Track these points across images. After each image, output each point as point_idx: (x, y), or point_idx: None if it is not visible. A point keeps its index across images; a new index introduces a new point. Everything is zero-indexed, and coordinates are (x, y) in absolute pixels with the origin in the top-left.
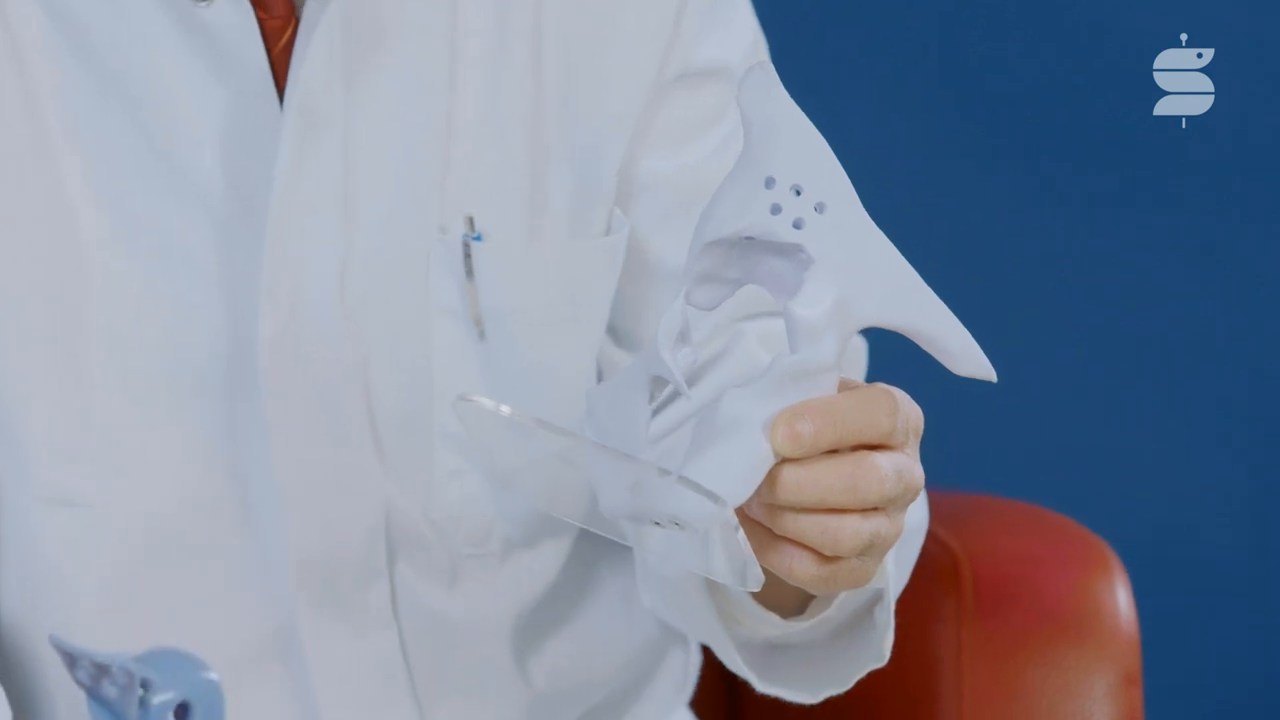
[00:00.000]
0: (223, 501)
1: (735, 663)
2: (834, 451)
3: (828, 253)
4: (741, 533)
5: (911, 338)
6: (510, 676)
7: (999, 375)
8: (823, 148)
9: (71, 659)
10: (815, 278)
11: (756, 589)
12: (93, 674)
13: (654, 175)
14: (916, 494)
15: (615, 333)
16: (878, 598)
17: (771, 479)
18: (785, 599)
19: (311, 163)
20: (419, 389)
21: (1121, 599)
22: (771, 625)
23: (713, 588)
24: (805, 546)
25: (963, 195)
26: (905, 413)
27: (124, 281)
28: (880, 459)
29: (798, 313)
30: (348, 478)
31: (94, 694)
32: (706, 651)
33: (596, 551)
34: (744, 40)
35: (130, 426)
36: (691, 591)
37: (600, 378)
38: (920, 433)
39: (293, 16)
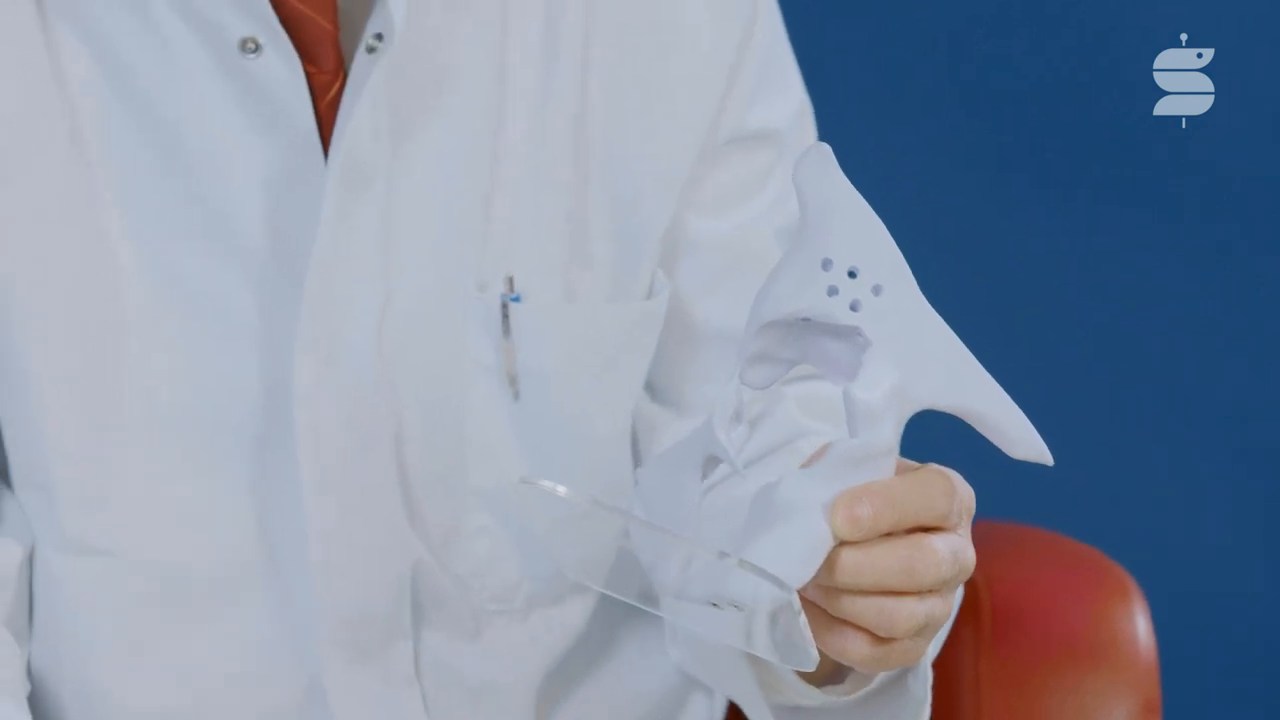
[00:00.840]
0: (250, 554)
1: None
2: (890, 534)
3: (885, 336)
4: (804, 617)
5: (967, 420)
6: None
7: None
8: (879, 230)
9: None
10: (874, 360)
11: (811, 669)
12: None
13: (702, 237)
14: (968, 575)
15: (653, 389)
16: (907, 670)
17: (830, 562)
18: (821, 667)
19: (354, 219)
20: (452, 446)
21: (1141, 627)
22: (811, 698)
23: (753, 657)
24: (860, 628)
25: (962, 195)
26: (960, 495)
27: (160, 333)
28: (937, 542)
29: (858, 396)
30: (378, 534)
31: None
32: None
33: (621, 608)
34: (793, 104)
35: (159, 476)
36: (730, 660)
37: (635, 434)
38: (972, 513)
39: (340, 71)
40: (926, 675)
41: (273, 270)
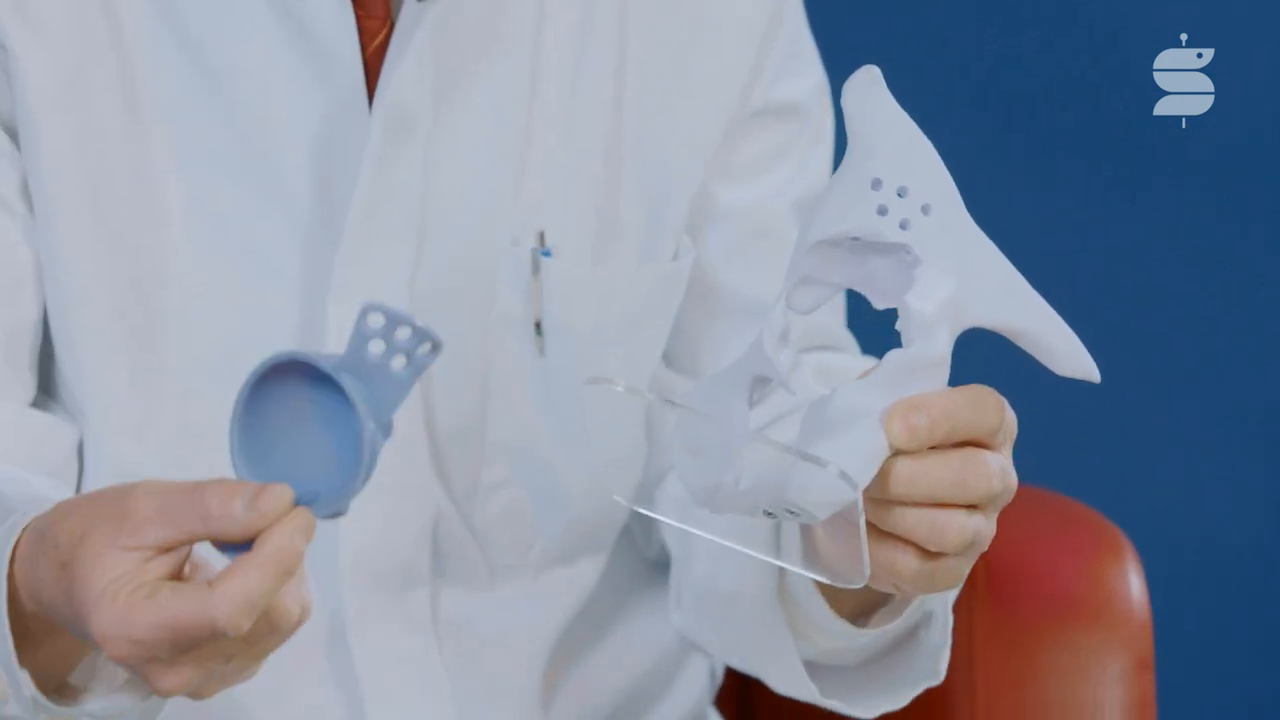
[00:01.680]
0: None
1: (794, 677)
2: (939, 447)
3: (935, 254)
4: (864, 517)
5: (1016, 339)
6: (537, 688)
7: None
8: (928, 150)
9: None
10: (928, 272)
11: (861, 583)
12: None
13: (728, 206)
14: (1011, 496)
15: (669, 356)
16: (921, 621)
17: (883, 473)
18: (845, 608)
19: (394, 167)
20: (476, 399)
21: (1134, 584)
22: (835, 636)
23: (783, 601)
24: (910, 543)
25: (962, 195)
26: (1006, 414)
27: (201, 273)
28: (988, 456)
29: (913, 305)
30: (404, 481)
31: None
32: None
33: (630, 570)
34: (814, 80)
35: (194, 413)
36: (756, 607)
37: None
38: (1014, 437)
39: (388, 18)
40: (946, 621)
41: (314, 216)
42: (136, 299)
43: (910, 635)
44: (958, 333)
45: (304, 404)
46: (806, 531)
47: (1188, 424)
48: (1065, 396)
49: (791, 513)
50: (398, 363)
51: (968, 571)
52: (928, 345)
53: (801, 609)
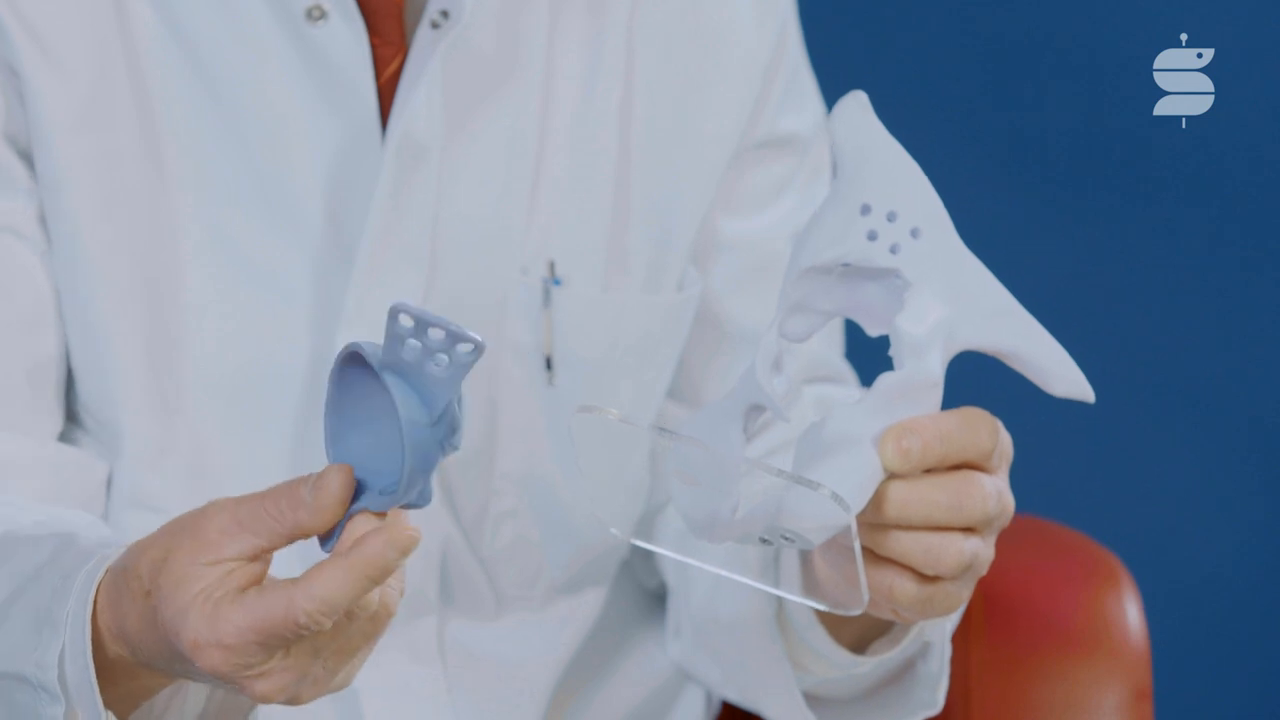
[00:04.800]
0: None
1: (794, 705)
2: (933, 470)
3: (925, 277)
4: (859, 542)
5: (1009, 361)
6: (541, 717)
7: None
8: (916, 174)
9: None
10: (918, 296)
11: (860, 610)
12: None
13: (732, 238)
14: (1009, 518)
15: (674, 390)
16: (919, 652)
17: (879, 496)
18: (841, 638)
19: (407, 195)
20: (484, 428)
21: (1132, 613)
22: (835, 665)
23: (782, 631)
24: (907, 567)
25: (962, 195)
26: (1002, 436)
27: (216, 299)
28: (983, 478)
29: (904, 328)
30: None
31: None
32: None
33: (632, 600)
34: (815, 113)
35: (207, 439)
36: (755, 637)
37: None
38: (1010, 459)
39: (402, 45)
40: (944, 652)
41: (327, 243)
42: (153, 325)
43: (908, 666)
44: (950, 355)
45: (378, 396)
46: (805, 560)
47: (1185, 446)
48: (1061, 423)
49: (787, 539)
50: (438, 363)
51: (967, 596)
52: (919, 368)
53: (801, 638)
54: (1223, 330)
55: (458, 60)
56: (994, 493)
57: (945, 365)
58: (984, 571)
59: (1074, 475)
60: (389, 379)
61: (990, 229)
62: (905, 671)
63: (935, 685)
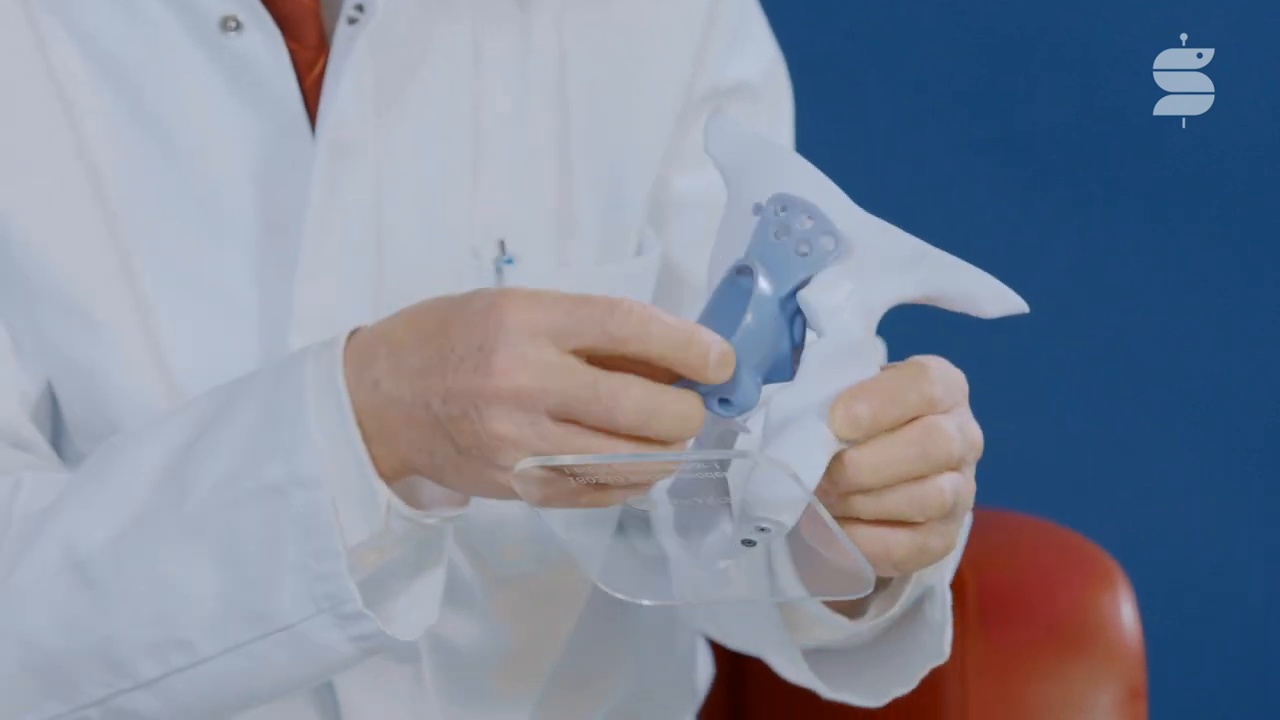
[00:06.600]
0: None
1: (799, 671)
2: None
3: (828, 250)
4: (829, 516)
5: (938, 303)
6: (528, 709)
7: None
8: (789, 155)
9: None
10: (825, 273)
11: (868, 589)
12: None
13: (687, 194)
14: (979, 450)
15: None
16: (924, 595)
17: (846, 467)
18: (843, 602)
19: (344, 193)
20: None
21: (1126, 613)
22: (836, 629)
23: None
24: (893, 523)
25: (962, 195)
26: (947, 377)
27: (164, 314)
28: (941, 420)
29: (812, 299)
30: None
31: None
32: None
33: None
34: (765, 57)
35: None
36: (753, 607)
37: None
38: (966, 390)
39: (323, 46)
40: (945, 598)
41: (267, 248)
42: (106, 342)
43: (916, 610)
44: (876, 316)
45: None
46: (802, 556)
47: (1181, 446)
48: (1056, 422)
49: (763, 529)
50: (800, 250)
51: (960, 534)
52: (839, 330)
53: (800, 608)
54: (1222, 330)
55: (381, 51)
56: (956, 433)
57: (874, 326)
58: (970, 504)
59: (1069, 474)
60: (753, 251)
61: (990, 229)
62: (913, 615)
63: (941, 632)
